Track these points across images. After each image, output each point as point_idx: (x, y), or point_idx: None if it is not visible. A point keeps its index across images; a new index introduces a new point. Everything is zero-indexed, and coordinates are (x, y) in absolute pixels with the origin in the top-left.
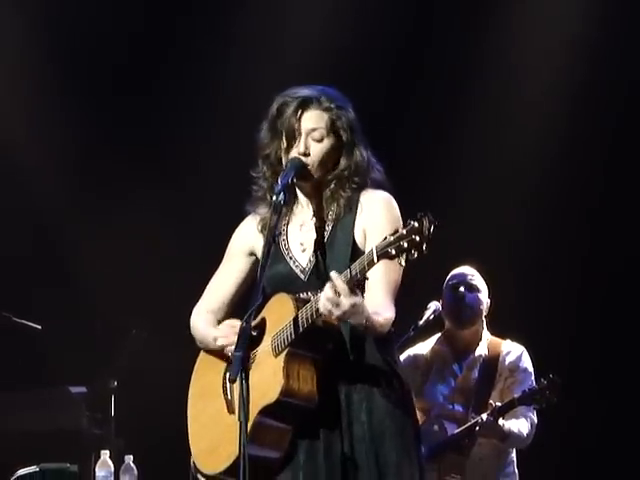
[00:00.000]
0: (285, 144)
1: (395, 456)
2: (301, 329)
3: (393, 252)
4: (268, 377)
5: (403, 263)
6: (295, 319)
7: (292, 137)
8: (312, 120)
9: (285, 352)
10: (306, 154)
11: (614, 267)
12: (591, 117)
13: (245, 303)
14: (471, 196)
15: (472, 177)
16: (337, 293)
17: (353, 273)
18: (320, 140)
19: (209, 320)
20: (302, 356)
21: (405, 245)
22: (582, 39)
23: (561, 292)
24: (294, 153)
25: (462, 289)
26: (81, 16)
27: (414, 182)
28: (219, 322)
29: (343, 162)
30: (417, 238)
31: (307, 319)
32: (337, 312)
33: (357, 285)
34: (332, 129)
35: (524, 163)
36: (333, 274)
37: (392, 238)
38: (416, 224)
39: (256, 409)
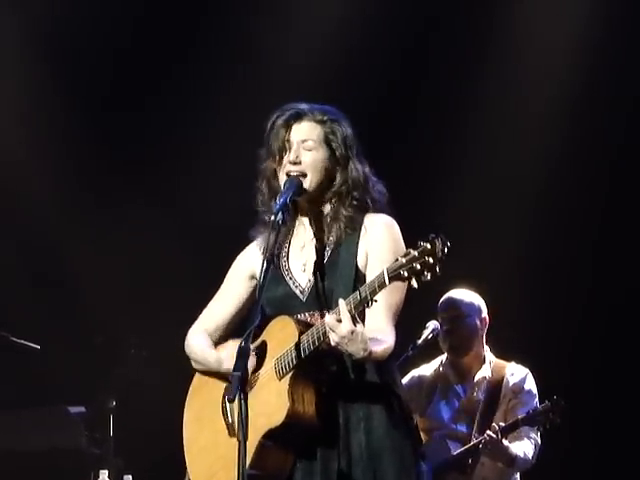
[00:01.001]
0: (277, 157)
1: (393, 476)
2: (307, 352)
3: (405, 274)
4: (272, 400)
5: (415, 285)
6: (299, 342)
7: (283, 149)
8: (303, 131)
9: (290, 375)
10: (296, 162)
11: (619, 284)
12: (595, 118)
13: (244, 324)
14: (472, 210)
15: (474, 190)
16: (338, 320)
17: (363, 295)
18: (310, 150)
19: (207, 342)
20: (306, 379)
21: (418, 267)
22: (585, 39)
23: (566, 310)
24: (286, 162)
25: (446, 324)
26: (81, 23)
27: (413, 190)
28: (215, 345)
29: (339, 177)
30: (430, 260)
31: (313, 342)
32: (335, 338)
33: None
34: (325, 142)
35: (526, 170)
36: (341, 300)
37: (404, 260)
38: (428, 245)
39: (260, 432)
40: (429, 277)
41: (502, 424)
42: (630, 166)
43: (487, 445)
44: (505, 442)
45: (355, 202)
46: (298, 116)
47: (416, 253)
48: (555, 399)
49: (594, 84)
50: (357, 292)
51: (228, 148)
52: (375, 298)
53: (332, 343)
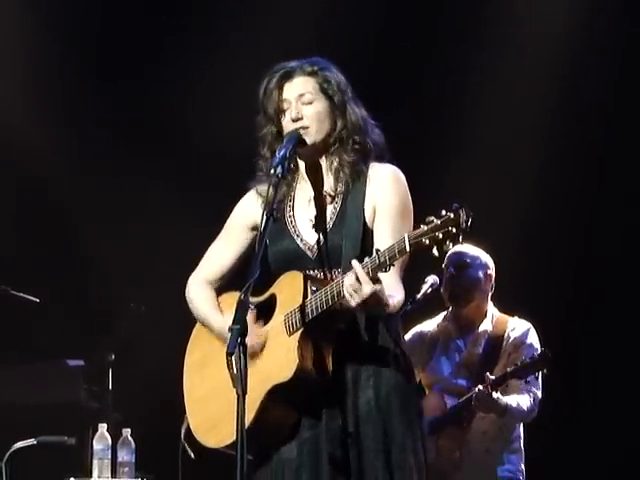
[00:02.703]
0: (276, 119)
1: (400, 432)
2: (319, 310)
3: (427, 242)
4: (281, 355)
5: (436, 254)
6: (313, 299)
7: (280, 110)
8: (298, 86)
9: (300, 332)
10: (298, 118)
11: (614, 246)
12: (588, 106)
13: (245, 275)
14: (472, 174)
15: (474, 159)
16: (358, 280)
17: (382, 260)
18: (310, 103)
19: (211, 301)
20: (316, 336)
21: (440, 236)
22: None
23: (565, 271)
24: (287, 121)
25: (452, 269)
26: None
27: (416, 161)
28: (217, 293)
29: (339, 123)
30: (453, 230)
31: (326, 301)
32: (357, 299)
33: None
34: (322, 91)
35: (524, 138)
36: (354, 262)
37: (426, 228)
38: (452, 215)
39: (267, 386)
40: (450, 247)
41: (492, 377)
42: (626, 126)
43: (477, 398)
44: (495, 394)
45: (357, 146)
46: (288, 74)
47: (439, 222)
48: (542, 351)
49: (592, 48)
50: (375, 257)
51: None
52: (394, 263)
53: (353, 304)
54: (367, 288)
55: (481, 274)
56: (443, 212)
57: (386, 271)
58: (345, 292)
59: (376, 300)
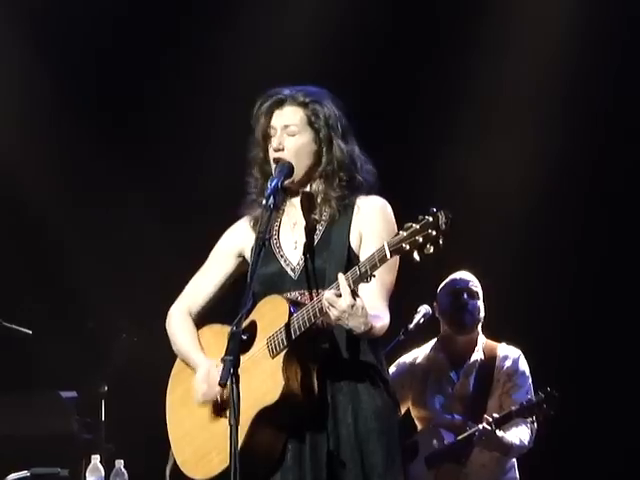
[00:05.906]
0: (262, 144)
1: (380, 459)
2: (302, 329)
3: (407, 247)
4: (265, 379)
5: (417, 258)
6: (292, 320)
7: (267, 136)
8: (285, 116)
9: (283, 353)
10: (279, 149)
11: (607, 267)
12: (587, 112)
13: (235, 307)
14: (462, 197)
15: (462, 183)
16: (337, 295)
17: (362, 270)
18: (294, 135)
19: (192, 332)
20: (300, 357)
21: (420, 240)
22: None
23: (555, 293)
24: (270, 150)
25: (465, 296)
26: (70, 15)
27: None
28: (196, 323)
29: (324, 158)
30: (433, 232)
31: (309, 319)
32: (335, 313)
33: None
34: (308, 124)
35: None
36: (340, 274)
37: (405, 233)
38: (431, 218)
39: (254, 411)
40: (432, 250)
41: (496, 415)
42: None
43: (481, 437)
44: (499, 433)
45: (343, 182)
46: (279, 102)
47: (418, 226)
48: (548, 391)
49: (593, 48)
50: (356, 267)
51: (222, 138)
52: (374, 273)
53: (332, 318)
54: (346, 300)
55: (482, 307)
56: (421, 217)
57: (367, 282)
58: (323, 305)
59: (355, 315)
